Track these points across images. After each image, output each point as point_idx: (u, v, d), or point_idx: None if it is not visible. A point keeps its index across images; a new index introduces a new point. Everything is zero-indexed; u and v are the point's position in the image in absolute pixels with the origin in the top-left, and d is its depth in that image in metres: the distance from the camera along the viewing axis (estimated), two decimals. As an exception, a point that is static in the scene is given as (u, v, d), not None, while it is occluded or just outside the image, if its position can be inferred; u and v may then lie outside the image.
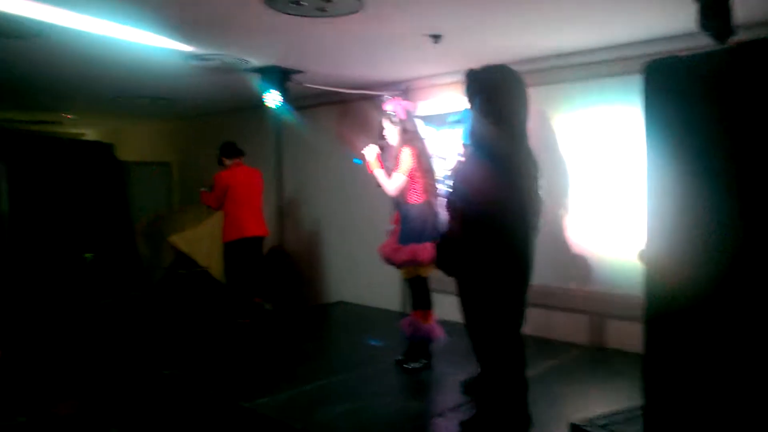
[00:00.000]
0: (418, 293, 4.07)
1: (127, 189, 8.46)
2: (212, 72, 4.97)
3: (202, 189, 5.85)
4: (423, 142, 4.07)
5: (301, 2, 3.21)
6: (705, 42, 2.10)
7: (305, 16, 3.44)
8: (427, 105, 5.40)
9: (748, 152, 1.72)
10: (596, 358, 4.35)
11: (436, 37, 3.91)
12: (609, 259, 4.37)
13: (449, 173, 3.23)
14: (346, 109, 6.14)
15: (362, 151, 4.07)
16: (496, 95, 2.95)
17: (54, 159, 7.63)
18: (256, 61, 4.73)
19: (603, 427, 2.65)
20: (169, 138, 9.08)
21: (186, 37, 3.96)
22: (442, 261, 3.16)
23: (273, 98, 4.96)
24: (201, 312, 6.28)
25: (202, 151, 7.40)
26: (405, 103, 4.11)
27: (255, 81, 5.02)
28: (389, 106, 4.04)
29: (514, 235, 2.95)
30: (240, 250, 5.65)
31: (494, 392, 3.01)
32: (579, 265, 4.60)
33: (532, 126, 3.06)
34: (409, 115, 4.05)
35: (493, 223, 2.90)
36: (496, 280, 2.93)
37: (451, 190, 3.11)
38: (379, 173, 4.00)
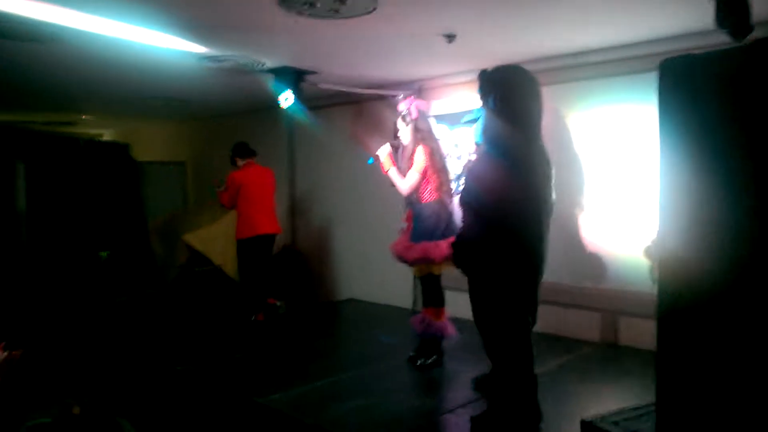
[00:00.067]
0: (430, 291, 4.10)
1: (142, 188, 8.56)
2: (226, 73, 5.01)
3: (218, 189, 5.91)
4: (437, 142, 4.09)
5: (315, 3, 3.23)
6: (722, 39, 2.09)
7: (319, 17, 3.46)
8: (440, 104, 5.41)
9: (764, 150, 1.71)
10: (608, 356, 4.34)
11: (450, 37, 3.92)
12: (622, 256, 4.36)
13: (463, 171, 3.25)
14: (359, 109, 6.17)
15: (376, 151, 4.10)
16: (510, 94, 2.97)
17: (71, 159, 7.73)
18: (270, 62, 4.76)
19: (615, 424, 2.65)
20: (184, 138, 9.16)
21: (200, 39, 4.00)
22: (458, 259, 3.18)
23: (287, 99, 5.00)
24: (215, 310, 6.34)
25: (217, 152, 7.48)
26: (418, 102, 4.13)
27: (269, 82, 5.05)
28: (403, 106, 4.07)
29: (527, 233, 2.96)
30: (253, 248, 5.72)
31: (505, 389, 3.03)
32: (592, 263, 4.60)
33: (546, 125, 3.08)
34: (423, 115, 4.07)
35: (506, 222, 2.91)
36: (509, 278, 2.95)
37: (464, 189, 3.13)
38: (393, 173, 4.03)
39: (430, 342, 4.11)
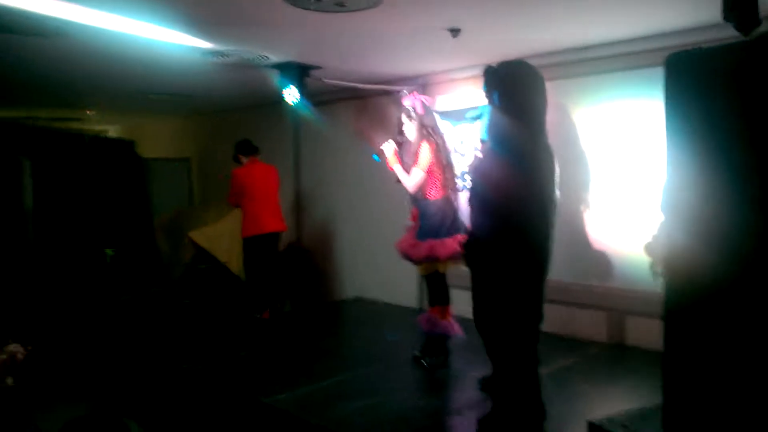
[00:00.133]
0: (436, 289, 4.06)
1: (147, 185, 8.56)
2: (231, 68, 4.99)
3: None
4: (442, 138, 4.06)
5: (320, -3, 3.22)
6: (728, 33, 2.06)
7: (324, 11, 3.43)
8: (445, 100, 5.38)
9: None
10: (616, 356, 4.30)
11: (455, 31, 3.88)
12: (629, 254, 4.31)
13: (469, 169, 3.23)
14: (364, 104, 6.14)
15: (381, 147, 4.07)
16: (515, 90, 2.94)
17: (76, 156, 7.74)
18: (274, 57, 4.74)
19: (621, 425, 2.62)
20: (189, 134, 9.16)
21: (205, 34, 3.98)
22: (470, 258, 3.15)
23: (291, 94, 4.98)
24: (220, 307, 6.34)
25: (222, 147, 7.45)
26: (423, 98, 4.10)
27: (274, 77, 5.04)
28: (407, 101, 4.04)
29: (533, 231, 2.95)
30: (259, 245, 5.70)
31: (509, 389, 3.00)
32: (598, 261, 4.55)
33: (551, 120, 3.04)
34: (428, 110, 4.04)
35: (512, 219, 2.89)
36: (517, 275, 2.93)
37: (472, 186, 3.11)
38: (398, 169, 4.00)
39: (436, 341, 4.08)
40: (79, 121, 8.82)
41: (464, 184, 4.44)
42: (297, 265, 6.94)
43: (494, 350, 3.06)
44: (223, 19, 3.65)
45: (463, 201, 3.89)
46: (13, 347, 2.26)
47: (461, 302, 4.03)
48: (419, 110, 3.99)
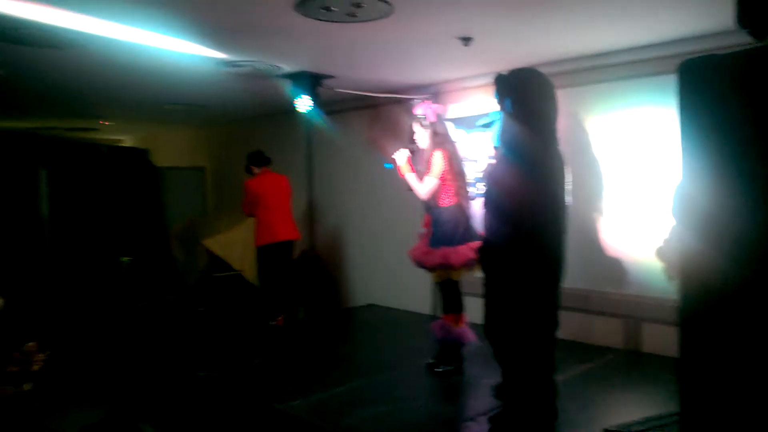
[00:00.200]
0: (450, 296, 4.06)
1: (162, 194, 8.65)
2: (245, 78, 5.04)
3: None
4: (454, 145, 4.06)
5: (332, 8, 3.24)
6: (743, 40, 2.05)
7: (336, 21, 3.47)
8: (457, 108, 5.39)
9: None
10: (631, 362, 4.27)
11: (467, 40, 3.90)
12: (644, 261, 4.28)
13: (482, 176, 3.24)
14: (376, 113, 6.17)
15: (393, 156, 4.09)
16: (527, 98, 2.96)
17: (92, 165, 7.85)
18: (287, 67, 4.78)
19: (638, 432, 2.61)
20: (203, 143, 9.24)
21: (218, 44, 4.03)
22: (486, 265, 3.17)
23: (304, 103, 5.02)
24: (235, 315, 6.37)
25: (236, 156, 7.52)
26: (435, 106, 4.10)
27: (286, 86, 5.08)
28: (420, 110, 4.05)
29: (546, 237, 2.95)
30: (273, 254, 5.75)
31: (523, 395, 3.00)
32: (614, 269, 4.53)
33: (564, 128, 3.05)
34: (440, 118, 4.05)
35: (524, 226, 2.90)
36: (529, 281, 2.93)
37: (486, 193, 3.12)
38: (411, 177, 4.01)
39: (450, 348, 4.08)
40: (94, 131, 8.93)
41: (476, 192, 4.44)
42: (310, 272, 6.97)
43: (506, 357, 3.06)
44: (236, 29, 3.69)
45: (475, 208, 3.89)
46: (31, 345, 2.29)
47: (475, 309, 4.03)
48: (431, 118, 4.00)
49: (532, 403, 2.99)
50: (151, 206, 8.42)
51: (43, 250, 7.04)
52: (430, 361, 4.15)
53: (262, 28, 3.68)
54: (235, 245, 6.70)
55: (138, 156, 8.82)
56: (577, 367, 4.04)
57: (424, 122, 4.01)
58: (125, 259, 7.73)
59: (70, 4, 3.13)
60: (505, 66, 3.15)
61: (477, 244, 3.46)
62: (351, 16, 3.39)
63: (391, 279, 6.18)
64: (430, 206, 4.04)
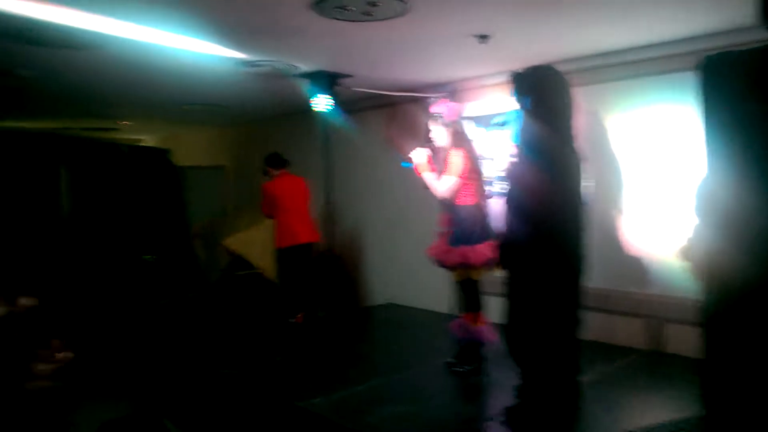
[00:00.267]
0: (469, 296, 4.05)
1: (183, 193, 8.74)
2: (263, 78, 5.06)
3: None
4: (471, 144, 4.04)
5: (348, 7, 3.24)
6: (762, 36, 2.00)
7: (352, 20, 3.46)
8: (475, 106, 5.35)
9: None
10: (655, 363, 4.21)
11: (483, 38, 3.87)
12: (667, 261, 4.22)
13: (502, 174, 3.23)
14: (393, 111, 6.15)
15: (410, 154, 4.07)
16: (545, 95, 2.95)
17: (113, 164, 7.96)
18: (305, 67, 4.79)
19: (662, 435, 2.58)
20: (223, 143, 9.31)
21: (236, 44, 4.05)
22: (505, 261, 3.16)
23: (321, 103, 5.03)
24: (256, 312, 6.42)
25: (256, 155, 7.56)
26: (453, 104, 4.08)
27: (304, 86, 5.09)
28: (437, 108, 4.03)
29: (565, 235, 2.94)
30: (292, 256, 5.81)
31: (542, 396, 2.98)
32: (636, 269, 4.47)
33: (584, 126, 3.02)
34: (457, 117, 4.03)
35: (544, 224, 2.89)
36: (548, 279, 2.92)
37: (505, 191, 3.11)
38: (429, 176, 3.99)
39: (470, 348, 4.06)
40: (114, 131, 9.05)
41: (494, 190, 4.41)
42: (330, 271, 7.00)
43: (527, 356, 3.04)
44: (254, 29, 3.70)
45: (493, 207, 3.86)
46: (56, 342, 2.33)
47: (495, 309, 4.01)
48: (449, 116, 3.97)
49: (553, 403, 2.97)
50: (173, 205, 8.52)
51: (66, 249, 7.17)
52: (450, 360, 4.14)
53: (279, 28, 3.69)
54: (254, 244, 6.75)
55: (159, 155, 8.91)
56: (600, 368, 3.99)
57: (441, 121, 3.99)
58: (148, 257, 7.83)
59: (87, 4, 3.15)
60: (522, 63, 3.12)
61: (495, 241, 3.44)
62: (367, 15, 3.38)
63: (410, 278, 6.17)
64: (448, 205, 4.02)
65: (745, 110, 1.78)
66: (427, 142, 4.09)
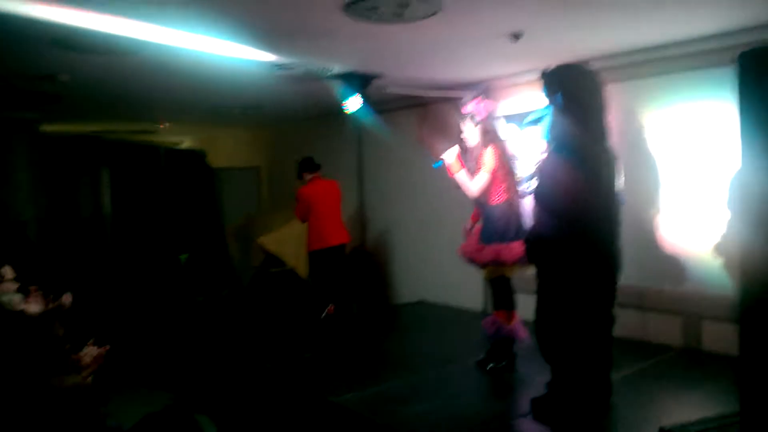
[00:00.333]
0: (501, 293, 4.05)
1: (218, 194, 8.92)
2: (297, 80, 5.14)
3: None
4: (503, 142, 4.04)
5: (379, 8, 3.27)
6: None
7: (383, 21, 3.50)
8: (508, 104, 5.34)
9: None
10: (691, 361, 4.16)
11: (516, 36, 3.87)
12: (703, 258, 4.17)
13: (534, 171, 3.24)
14: (425, 111, 6.18)
15: (443, 154, 4.09)
16: (577, 93, 2.95)
17: (152, 166, 8.17)
18: (337, 68, 4.85)
19: (696, 433, 2.56)
20: (258, 144, 9.46)
21: (271, 47, 4.12)
22: (532, 255, 3.16)
23: (354, 103, 5.09)
24: (289, 309, 6.52)
25: (289, 157, 7.68)
26: (485, 103, 4.08)
27: (336, 87, 5.15)
28: (470, 107, 4.04)
29: (598, 233, 2.92)
30: (325, 259, 5.93)
31: (572, 393, 2.98)
32: (672, 266, 4.41)
33: (619, 123, 3.01)
34: (490, 115, 4.03)
35: (577, 223, 2.89)
36: (581, 276, 2.91)
37: (537, 187, 3.11)
38: (462, 175, 4.00)
39: (502, 345, 4.07)
40: (153, 134, 9.27)
41: (526, 189, 4.41)
42: (362, 269, 7.07)
43: (559, 353, 3.04)
44: (287, 32, 3.76)
45: (526, 205, 3.86)
46: (92, 340, 2.39)
47: (527, 307, 4.01)
48: (482, 115, 3.99)
49: (583, 400, 2.97)
50: (208, 206, 8.70)
51: (106, 247, 7.38)
52: (482, 358, 4.15)
53: (311, 30, 3.74)
54: (288, 242, 6.85)
55: (194, 158, 9.11)
56: (635, 365, 3.96)
57: (474, 119, 4.01)
58: (183, 256, 8.02)
59: (128, 11, 3.24)
60: (555, 61, 3.11)
61: (526, 236, 3.45)
62: (398, 16, 3.41)
63: (441, 275, 6.19)
64: (480, 203, 4.03)
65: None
66: (459, 141, 4.10)
